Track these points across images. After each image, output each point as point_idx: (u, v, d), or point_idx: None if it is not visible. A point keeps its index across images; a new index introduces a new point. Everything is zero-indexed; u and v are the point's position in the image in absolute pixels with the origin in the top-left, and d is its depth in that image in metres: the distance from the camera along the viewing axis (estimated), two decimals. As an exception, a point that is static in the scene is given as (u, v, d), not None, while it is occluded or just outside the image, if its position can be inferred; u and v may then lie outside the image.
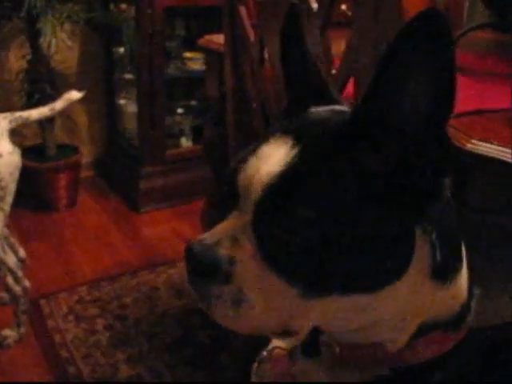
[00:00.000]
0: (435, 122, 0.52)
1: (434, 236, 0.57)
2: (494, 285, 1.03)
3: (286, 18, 0.66)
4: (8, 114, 1.95)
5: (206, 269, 0.56)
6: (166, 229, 2.95)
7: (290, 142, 0.57)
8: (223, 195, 0.62)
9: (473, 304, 0.64)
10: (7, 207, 1.87)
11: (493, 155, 0.95)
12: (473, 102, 1.21)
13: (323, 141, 0.57)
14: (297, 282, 0.55)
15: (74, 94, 2.07)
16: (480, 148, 0.97)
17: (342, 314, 0.58)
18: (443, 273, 0.60)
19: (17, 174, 1.89)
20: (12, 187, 1.87)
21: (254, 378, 0.78)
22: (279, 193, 0.55)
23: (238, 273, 0.56)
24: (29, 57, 2.90)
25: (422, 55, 0.49)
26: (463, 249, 0.63)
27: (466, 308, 0.63)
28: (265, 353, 0.78)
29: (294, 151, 0.56)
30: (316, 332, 0.66)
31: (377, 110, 0.53)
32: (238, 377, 1.81)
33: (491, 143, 0.96)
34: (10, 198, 1.87)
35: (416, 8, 2.31)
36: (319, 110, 0.63)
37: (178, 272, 2.54)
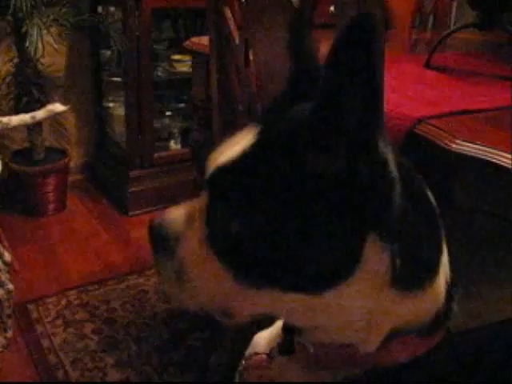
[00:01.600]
0: (364, 132, 0.51)
1: (393, 246, 0.56)
2: (479, 286, 1.03)
3: (291, 25, 0.67)
4: None
5: (158, 243, 0.62)
6: (155, 232, 2.93)
7: (255, 131, 0.58)
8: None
9: (453, 306, 0.64)
10: None
11: (477, 155, 0.95)
12: (458, 102, 1.21)
13: (279, 134, 0.57)
14: (232, 268, 0.57)
15: (58, 107, 2.05)
16: (464, 148, 0.97)
17: (282, 308, 0.60)
18: (407, 282, 0.58)
19: None
20: None
21: None
22: (226, 175, 0.58)
23: (181, 250, 0.60)
24: (16, 60, 2.89)
25: (355, 65, 0.48)
26: (440, 256, 0.62)
27: (442, 313, 0.62)
28: (243, 362, 0.78)
29: (253, 140, 0.58)
30: (291, 331, 0.67)
31: (328, 111, 0.52)
32: (226, 379, 1.81)
33: (476, 143, 0.96)
34: None
35: (401, 6, 2.31)
36: (300, 107, 0.61)
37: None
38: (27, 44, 2.63)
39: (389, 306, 0.58)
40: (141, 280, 2.50)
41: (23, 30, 2.61)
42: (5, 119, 1.97)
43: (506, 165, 0.91)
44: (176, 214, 0.62)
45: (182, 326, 2.18)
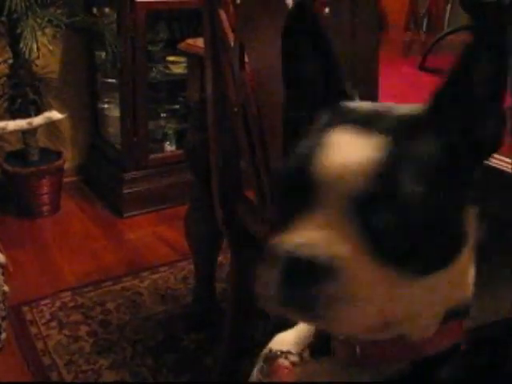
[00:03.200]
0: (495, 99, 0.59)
1: (475, 212, 0.58)
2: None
3: (290, 17, 0.65)
4: None
5: (307, 268, 0.52)
6: (150, 233, 2.93)
7: (364, 132, 0.56)
8: (283, 191, 0.60)
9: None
10: None
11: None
12: None
13: (403, 128, 0.58)
14: (401, 265, 0.54)
15: (55, 114, 2.05)
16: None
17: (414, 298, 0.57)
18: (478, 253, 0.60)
19: None
20: None
21: None
22: (383, 179, 0.53)
23: (342, 269, 0.52)
24: (10, 61, 2.88)
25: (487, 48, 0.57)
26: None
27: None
28: (263, 365, 0.75)
29: (380, 141, 0.55)
30: (327, 334, 0.65)
31: (454, 94, 0.59)
32: (222, 381, 1.81)
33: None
34: None
35: (395, 8, 2.31)
36: (353, 104, 0.63)
37: (162, 277, 2.54)
38: (22, 45, 2.63)
39: (466, 279, 0.60)
40: (136, 282, 2.50)
41: (18, 31, 2.61)
42: (2, 124, 1.97)
43: (498, 167, 0.91)
44: (311, 239, 0.54)
45: (177, 328, 2.18)
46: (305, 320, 0.59)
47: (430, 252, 0.54)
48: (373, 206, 0.53)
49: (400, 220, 0.53)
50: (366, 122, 0.57)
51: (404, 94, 1.31)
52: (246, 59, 1.34)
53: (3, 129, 1.96)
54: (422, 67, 1.52)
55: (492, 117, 0.58)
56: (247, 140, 1.37)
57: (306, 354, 0.69)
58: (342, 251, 0.52)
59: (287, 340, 0.75)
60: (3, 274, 2.02)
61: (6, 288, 2.01)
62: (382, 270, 0.53)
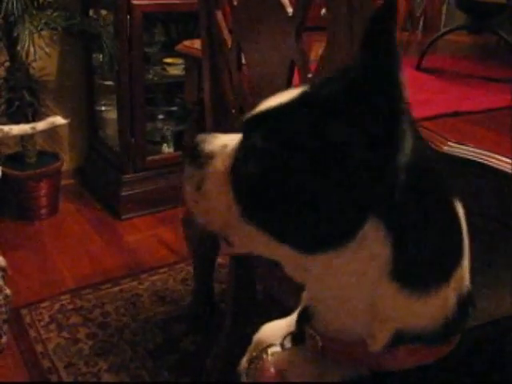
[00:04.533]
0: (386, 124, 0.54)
1: (396, 237, 0.56)
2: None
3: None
4: None
5: (193, 154, 0.69)
6: (148, 235, 2.93)
7: (299, 91, 0.62)
8: None
9: (466, 322, 0.63)
10: None
11: (469, 157, 0.96)
12: (449, 104, 1.22)
13: (316, 96, 0.60)
14: (240, 200, 0.63)
15: (59, 119, 2.10)
16: (456, 150, 0.97)
17: (276, 255, 0.64)
18: (410, 280, 0.58)
19: None
20: None
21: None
22: (259, 120, 0.63)
23: (209, 167, 0.67)
24: (7, 64, 2.88)
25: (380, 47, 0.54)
26: (455, 267, 0.61)
27: (451, 325, 0.61)
28: (253, 352, 0.78)
29: (293, 98, 0.61)
30: (304, 322, 0.69)
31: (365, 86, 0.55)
32: (221, 382, 1.81)
33: (467, 145, 0.97)
34: None
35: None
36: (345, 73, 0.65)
37: (161, 279, 2.54)
38: (18, 48, 2.63)
39: (390, 301, 0.58)
40: (134, 283, 2.50)
41: (14, 34, 2.61)
42: (6, 128, 2.00)
43: (497, 166, 0.91)
44: (220, 139, 0.69)
45: (176, 330, 2.18)
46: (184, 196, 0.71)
47: (285, 220, 0.59)
48: (243, 139, 0.65)
49: (251, 160, 0.61)
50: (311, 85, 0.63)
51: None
52: (243, 60, 1.34)
53: (8, 133, 1.99)
54: (419, 67, 1.52)
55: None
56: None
57: (287, 342, 0.74)
58: (215, 153, 0.67)
59: (275, 329, 0.79)
60: (4, 278, 2.02)
61: (8, 291, 2.02)
62: (232, 192, 0.64)
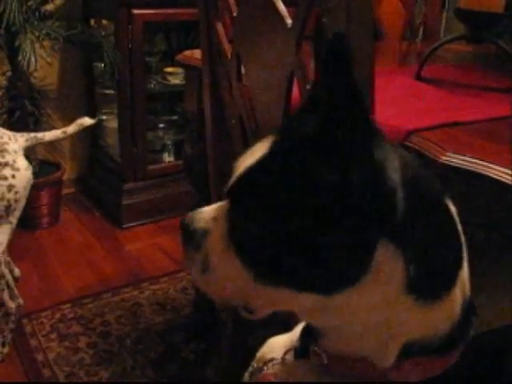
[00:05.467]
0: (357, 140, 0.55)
1: (409, 251, 0.57)
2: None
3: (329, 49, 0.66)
4: (25, 134, 2.04)
5: (186, 237, 0.68)
6: (149, 244, 2.94)
7: (270, 141, 0.62)
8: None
9: (470, 330, 0.64)
10: (15, 221, 1.97)
11: (467, 167, 0.96)
12: (448, 114, 1.22)
13: (289, 143, 0.60)
14: (250, 266, 0.61)
15: (87, 120, 2.15)
16: (454, 160, 0.98)
17: (299, 307, 0.62)
18: (423, 290, 0.59)
19: (28, 190, 1.98)
20: (23, 202, 1.97)
21: None
22: (243, 183, 0.62)
23: (207, 244, 0.65)
24: (8, 74, 2.89)
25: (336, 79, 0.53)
26: (459, 270, 0.62)
27: (457, 332, 0.62)
28: (254, 364, 0.79)
29: (268, 149, 0.61)
30: (308, 339, 0.69)
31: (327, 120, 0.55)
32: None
33: (465, 155, 0.97)
34: (18, 213, 1.97)
35: (391, 18, 2.32)
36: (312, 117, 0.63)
37: (162, 288, 2.54)
38: (20, 58, 2.64)
39: (405, 315, 0.59)
40: (135, 293, 2.50)
41: (16, 43, 2.62)
42: (40, 135, 2.07)
43: (495, 177, 0.92)
44: (206, 214, 0.68)
45: (177, 339, 2.18)
46: (192, 280, 0.70)
47: (299, 271, 0.58)
48: (234, 204, 0.64)
49: (249, 224, 0.60)
50: (280, 132, 0.64)
51: (400, 103, 1.32)
52: (243, 71, 1.35)
53: (41, 139, 2.07)
54: (419, 77, 1.52)
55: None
56: (245, 151, 1.37)
57: (289, 356, 0.73)
58: (208, 228, 0.66)
59: (278, 344, 0.78)
60: (16, 287, 2.05)
61: (20, 301, 2.04)
62: (236, 258, 0.62)
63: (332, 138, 0.54)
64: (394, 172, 0.56)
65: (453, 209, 0.63)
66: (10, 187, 1.91)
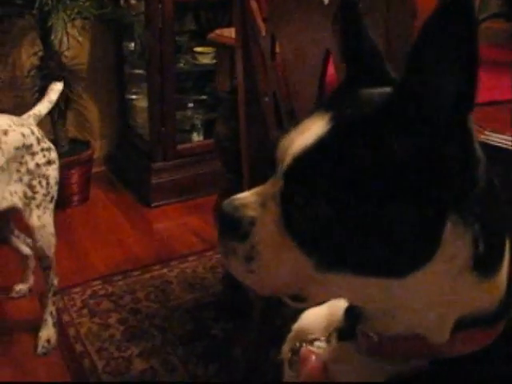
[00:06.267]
0: (462, 107, 0.52)
1: (476, 226, 0.56)
2: None
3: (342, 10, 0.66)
4: (30, 114, 2.04)
5: (229, 226, 0.61)
6: (178, 223, 2.96)
7: (327, 118, 0.58)
8: (268, 165, 0.64)
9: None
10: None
11: (505, 146, 0.95)
12: (485, 93, 1.21)
13: (357, 119, 0.57)
14: (312, 253, 0.57)
15: (58, 84, 2.17)
16: (492, 139, 0.97)
17: (362, 293, 0.59)
18: (486, 265, 0.58)
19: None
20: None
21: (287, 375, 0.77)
22: (305, 164, 0.57)
23: (255, 233, 0.60)
24: (40, 53, 2.92)
25: (452, 38, 0.49)
26: (505, 244, 0.61)
27: (504, 303, 0.61)
28: (288, 353, 0.77)
29: (328, 126, 0.57)
30: (354, 319, 0.66)
31: (417, 88, 0.52)
32: (250, 370, 1.82)
33: (504, 134, 0.96)
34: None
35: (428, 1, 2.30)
36: (368, 91, 0.62)
37: (190, 266, 2.56)
38: (52, 37, 2.66)
39: (466, 291, 0.58)
40: (164, 271, 2.53)
41: (48, 23, 2.64)
42: (36, 110, 2.07)
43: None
44: (250, 199, 0.62)
45: (206, 317, 2.20)
46: (231, 272, 0.63)
47: (368, 254, 0.56)
48: (294, 187, 0.58)
49: (311, 208, 0.56)
50: (334, 109, 0.59)
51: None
52: (277, 49, 1.35)
53: (41, 114, 2.08)
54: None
55: (455, 140, 0.53)
56: (278, 130, 1.37)
57: (333, 339, 0.70)
58: (257, 216, 0.60)
59: (314, 318, 0.76)
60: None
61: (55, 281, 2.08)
62: (293, 245, 0.58)
63: (427, 102, 0.52)
64: (478, 144, 0.54)
65: (498, 187, 0.62)
66: (58, 169, 1.98)
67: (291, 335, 0.79)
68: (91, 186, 3.23)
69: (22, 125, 1.89)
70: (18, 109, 3.15)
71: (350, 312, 0.68)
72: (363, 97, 0.61)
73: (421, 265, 0.56)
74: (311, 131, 0.58)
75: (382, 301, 0.60)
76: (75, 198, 3.11)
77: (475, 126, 1.00)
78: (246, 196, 0.62)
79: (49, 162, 1.92)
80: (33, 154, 1.88)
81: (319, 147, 0.57)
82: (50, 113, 2.93)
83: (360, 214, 0.54)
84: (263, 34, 1.37)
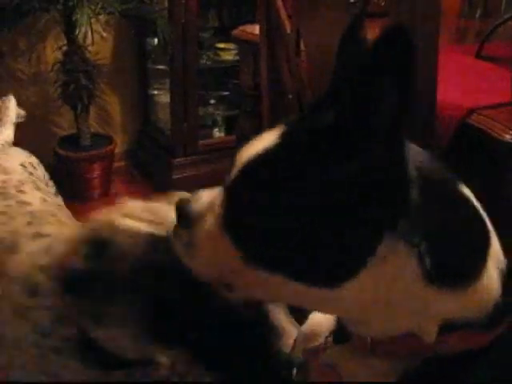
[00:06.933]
0: (394, 130, 0.54)
1: (420, 245, 0.58)
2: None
3: (348, 27, 0.70)
4: (3, 143, 1.67)
5: (180, 216, 0.71)
6: (198, 219, 2.96)
7: (278, 132, 0.62)
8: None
9: None
10: None
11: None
12: (510, 92, 1.20)
13: (299, 137, 0.61)
14: (241, 248, 0.62)
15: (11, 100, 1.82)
16: (518, 139, 0.96)
17: (296, 296, 0.63)
18: (446, 279, 0.59)
19: None
20: None
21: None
22: (247, 171, 0.62)
23: (197, 226, 0.67)
24: (64, 48, 2.94)
25: (390, 67, 0.52)
26: (488, 249, 0.62)
27: (501, 306, 0.62)
28: (299, 355, 0.79)
29: (277, 140, 0.61)
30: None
31: (358, 116, 0.55)
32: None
33: (530, 134, 0.96)
34: None
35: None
36: (324, 112, 0.64)
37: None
38: (77, 32, 2.68)
39: (432, 299, 0.59)
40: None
41: (73, 18, 2.66)
42: (6, 138, 1.70)
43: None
44: (204, 197, 0.69)
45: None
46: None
47: (298, 261, 0.59)
48: (233, 192, 0.64)
49: (250, 212, 0.61)
50: (289, 124, 0.64)
51: (461, 81, 1.30)
52: (302, 47, 1.35)
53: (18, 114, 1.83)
54: (479, 55, 1.50)
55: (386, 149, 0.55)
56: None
57: (329, 340, 0.74)
58: (202, 211, 0.67)
59: (323, 319, 0.79)
60: None
61: None
62: (228, 243, 0.63)
63: (365, 126, 0.54)
64: (410, 166, 0.56)
65: (467, 192, 0.63)
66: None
67: (299, 338, 0.80)
68: (112, 181, 3.24)
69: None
70: (42, 103, 3.20)
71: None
72: (316, 116, 0.63)
73: (348, 278, 0.58)
74: (262, 143, 0.62)
75: (319, 306, 0.65)
76: (96, 192, 3.12)
77: (499, 125, 1.00)
78: (203, 194, 0.70)
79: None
80: None
81: (263, 157, 0.61)
82: (74, 107, 2.98)
83: (290, 223, 0.58)
84: (288, 30, 1.37)
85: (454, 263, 0.60)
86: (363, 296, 0.59)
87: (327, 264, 0.58)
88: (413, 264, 0.58)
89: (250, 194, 0.61)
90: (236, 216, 0.63)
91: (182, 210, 0.70)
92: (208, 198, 0.68)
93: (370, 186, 0.55)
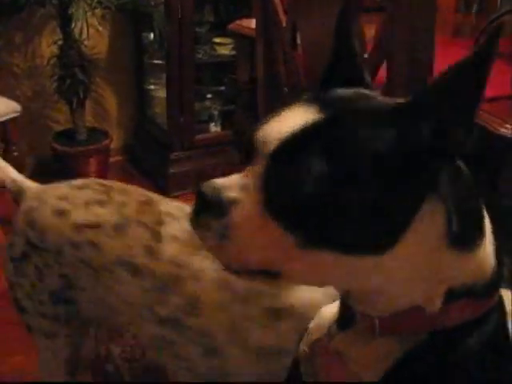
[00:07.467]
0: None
1: (450, 206, 0.61)
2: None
3: (340, 14, 0.71)
4: None
5: (208, 205, 0.63)
6: (195, 213, 2.95)
7: (314, 109, 0.61)
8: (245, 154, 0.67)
9: (505, 272, 0.68)
10: None
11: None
12: (507, 86, 1.20)
13: (354, 119, 0.61)
14: (294, 231, 0.59)
15: None
16: (514, 132, 0.97)
17: (344, 272, 0.62)
18: (463, 242, 0.62)
19: None
20: None
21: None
22: (293, 145, 0.60)
23: (234, 213, 0.62)
24: (60, 42, 2.93)
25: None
26: (486, 223, 0.66)
27: (496, 276, 0.66)
28: (306, 349, 0.79)
29: (320, 115, 0.60)
30: (348, 307, 0.70)
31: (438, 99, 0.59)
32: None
33: (525, 127, 0.96)
34: None
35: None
36: (344, 90, 0.66)
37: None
38: (72, 26, 2.68)
39: (448, 265, 0.62)
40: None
41: (69, 12, 2.65)
42: None
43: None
44: (229, 181, 0.64)
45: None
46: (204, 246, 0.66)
47: (349, 232, 0.59)
48: (278, 168, 0.60)
49: (298, 187, 0.58)
50: (318, 103, 0.63)
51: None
52: (298, 40, 1.35)
53: None
54: (475, 49, 1.50)
55: (464, 127, 0.58)
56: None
57: (333, 328, 0.74)
58: (237, 197, 0.62)
59: (331, 315, 0.78)
60: None
61: None
62: (274, 224, 0.60)
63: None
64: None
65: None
66: None
67: (308, 333, 0.81)
68: (108, 176, 3.24)
69: None
70: (38, 97, 3.19)
71: (345, 301, 0.72)
72: (342, 94, 0.65)
73: (397, 241, 0.59)
74: (297, 119, 0.61)
75: (362, 280, 0.63)
76: (93, 187, 3.11)
77: (496, 119, 1.00)
78: (225, 180, 0.65)
79: None
80: None
81: (306, 135, 0.60)
82: (70, 102, 2.98)
83: (343, 193, 0.57)
84: (284, 24, 1.37)
85: (469, 227, 0.63)
86: (402, 262, 0.61)
87: (378, 229, 0.59)
88: (441, 224, 0.61)
89: (297, 171, 0.58)
90: (283, 197, 0.59)
91: (208, 197, 0.63)
92: (234, 182, 0.64)
93: (416, 148, 0.58)
